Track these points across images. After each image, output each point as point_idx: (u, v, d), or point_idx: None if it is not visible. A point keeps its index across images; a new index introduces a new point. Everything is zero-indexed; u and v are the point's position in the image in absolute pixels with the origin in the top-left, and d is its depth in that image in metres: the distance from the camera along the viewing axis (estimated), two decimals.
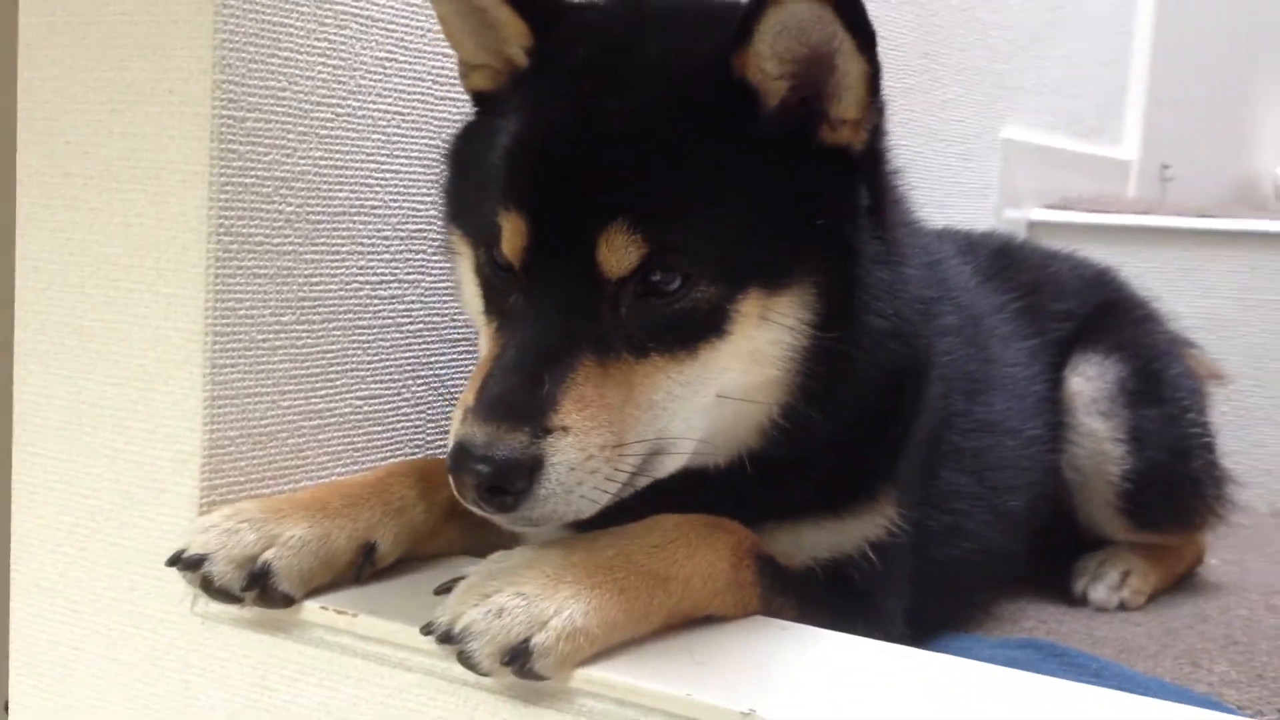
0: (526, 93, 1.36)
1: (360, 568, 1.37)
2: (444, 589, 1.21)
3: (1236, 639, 1.96)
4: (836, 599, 1.43)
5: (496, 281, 1.31)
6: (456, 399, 1.61)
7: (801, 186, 1.30)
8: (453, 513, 1.49)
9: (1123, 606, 2.10)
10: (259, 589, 1.30)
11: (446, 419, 1.65)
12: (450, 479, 1.21)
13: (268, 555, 1.30)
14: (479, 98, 1.44)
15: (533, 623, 1.15)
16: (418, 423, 1.64)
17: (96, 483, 1.47)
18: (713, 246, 1.26)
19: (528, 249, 1.26)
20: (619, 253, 1.23)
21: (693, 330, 1.26)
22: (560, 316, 1.24)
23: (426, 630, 1.18)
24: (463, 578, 1.21)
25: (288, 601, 1.32)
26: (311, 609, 1.33)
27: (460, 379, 1.69)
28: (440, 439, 1.67)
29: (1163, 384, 2.12)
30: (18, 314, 1.52)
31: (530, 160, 1.30)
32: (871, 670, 1.25)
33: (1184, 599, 2.19)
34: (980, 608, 1.98)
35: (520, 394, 1.20)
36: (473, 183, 1.37)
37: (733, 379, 1.31)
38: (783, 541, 1.41)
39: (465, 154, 1.42)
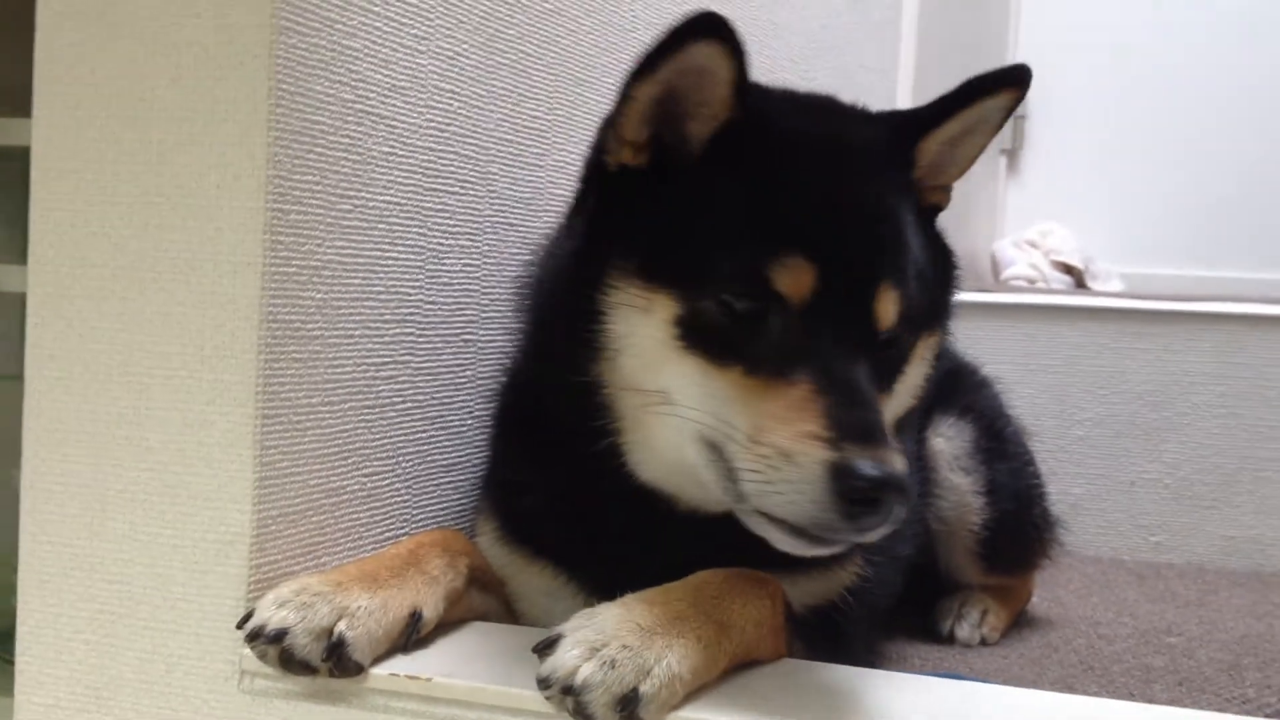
0: (751, 158, 1.45)
1: (409, 635, 1.45)
2: (545, 647, 1.30)
3: (1091, 665, 2.22)
4: (828, 639, 1.60)
5: (736, 328, 1.37)
6: (439, 474, 1.73)
7: (929, 245, 1.56)
8: (471, 580, 1.59)
9: (983, 642, 2.35)
10: (335, 659, 1.36)
11: (431, 494, 1.74)
12: (828, 497, 1.27)
13: (341, 626, 1.36)
14: (624, 171, 1.49)
15: (640, 672, 1.26)
16: (406, 498, 1.71)
17: (125, 568, 1.49)
18: (917, 301, 1.47)
19: (815, 293, 1.37)
20: (889, 308, 1.41)
21: (897, 369, 1.49)
22: (853, 356, 1.37)
23: (545, 685, 1.27)
24: (558, 635, 1.31)
25: (359, 670, 1.38)
26: (380, 676, 1.39)
27: (441, 455, 1.77)
28: (429, 513, 1.76)
29: (1006, 441, 2.39)
30: (27, 403, 1.52)
31: (811, 214, 1.42)
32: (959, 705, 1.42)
33: (1028, 633, 2.45)
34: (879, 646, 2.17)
35: (875, 420, 1.32)
36: (699, 235, 1.42)
37: (890, 411, 1.50)
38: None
39: (673, 211, 1.45)
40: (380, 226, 1.61)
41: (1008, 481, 2.33)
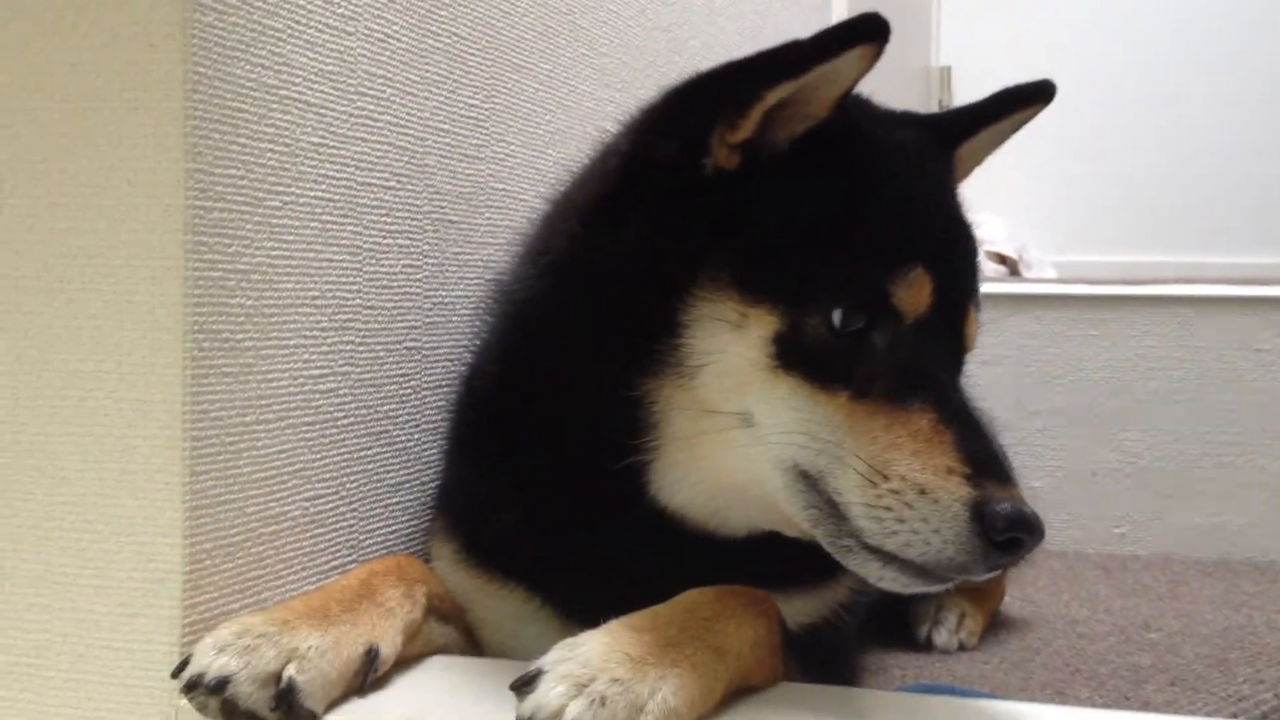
0: (845, 162, 1.35)
1: (366, 676, 1.30)
2: (523, 685, 1.16)
3: (1077, 667, 2.12)
4: (823, 659, 1.47)
5: (842, 347, 1.26)
6: (385, 494, 1.58)
7: None
8: (429, 611, 1.44)
9: (961, 647, 2.23)
10: (285, 708, 1.21)
11: (378, 517, 1.60)
12: (970, 538, 1.19)
13: (290, 670, 1.21)
14: (718, 174, 1.33)
15: (633, 708, 1.12)
16: (352, 521, 1.56)
17: (41, 614, 1.33)
18: None
19: (930, 308, 1.28)
20: (974, 327, 1.34)
21: None
22: (955, 380, 1.30)
23: None
24: (538, 670, 1.17)
25: (312, 718, 1.23)
26: None
27: (387, 474, 1.63)
28: (377, 538, 1.61)
29: None
30: None
31: (922, 224, 1.34)
32: None
33: (1005, 635, 2.34)
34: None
35: (1002, 454, 1.24)
36: (803, 243, 1.30)
37: None
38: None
39: (772, 217, 1.31)
40: (312, 225, 1.47)
41: None
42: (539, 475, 1.46)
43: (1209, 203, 5.43)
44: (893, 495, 1.21)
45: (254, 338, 1.37)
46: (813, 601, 1.49)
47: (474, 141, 1.83)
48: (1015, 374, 3.23)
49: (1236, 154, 5.42)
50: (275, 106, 1.39)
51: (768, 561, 1.42)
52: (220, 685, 1.19)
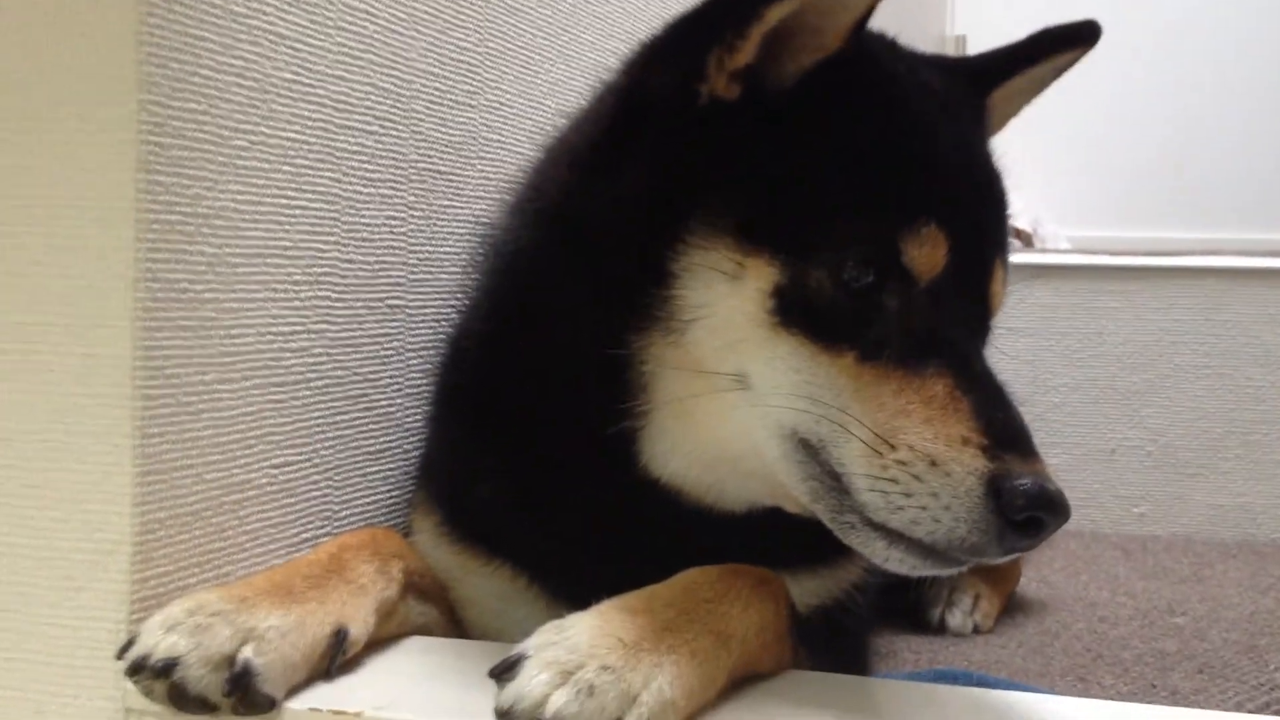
0: (863, 102, 1.22)
1: (334, 659, 1.19)
2: (504, 671, 1.05)
3: (1100, 652, 2.01)
4: (835, 643, 1.36)
5: (850, 305, 1.15)
6: (364, 462, 1.47)
7: None
8: (407, 588, 1.34)
9: (976, 630, 2.13)
10: (240, 693, 1.10)
11: (356, 486, 1.48)
12: (985, 515, 1.07)
13: (246, 652, 1.10)
14: (713, 105, 1.21)
15: (625, 699, 1.01)
16: (325, 490, 1.45)
17: None
18: None
19: (945, 269, 1.16)
20: (1000, 289, 1.24)
21: None
22: (977, 345, 1.20)
23: (506, 718, 1.02)
24: (521, 655, 1.05)
25: (270, 705, 1.12)
26: (298, 712, 1.13)
27: (366, 440, 1.51)
28: (355, 509, 1.49)
29: None
30: None
31: (941, 175, 1.22)
32: None
33: (1023, 619, 2.23)
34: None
35: (1025, 425, 1.12)
36: (812, 190, 1.18)
37: None
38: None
39: (778, 158, 1.19)
40: (285, 169, 1.35)
41: None
42: (526, 443, 1.35)
43: (1230, 176, 5.28)
44: (900, 467, 1.10)
45: (216, 289, 1.25)
46: (824, 582, 1.38)
47: (465, 88, 1.71)
48: (1033, 346, 3.12)
49: (1260, 126, 5.28)
50: (243, 36, 1.27)
51: (774, 538, 1.30)
52: (168, 668, 1.08)
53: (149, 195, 1.16)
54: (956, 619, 2.12)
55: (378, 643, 1.28)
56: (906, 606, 2.13)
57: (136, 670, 1.09)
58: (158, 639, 1.09)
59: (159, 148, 1.17)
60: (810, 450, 1.15)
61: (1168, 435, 3.06)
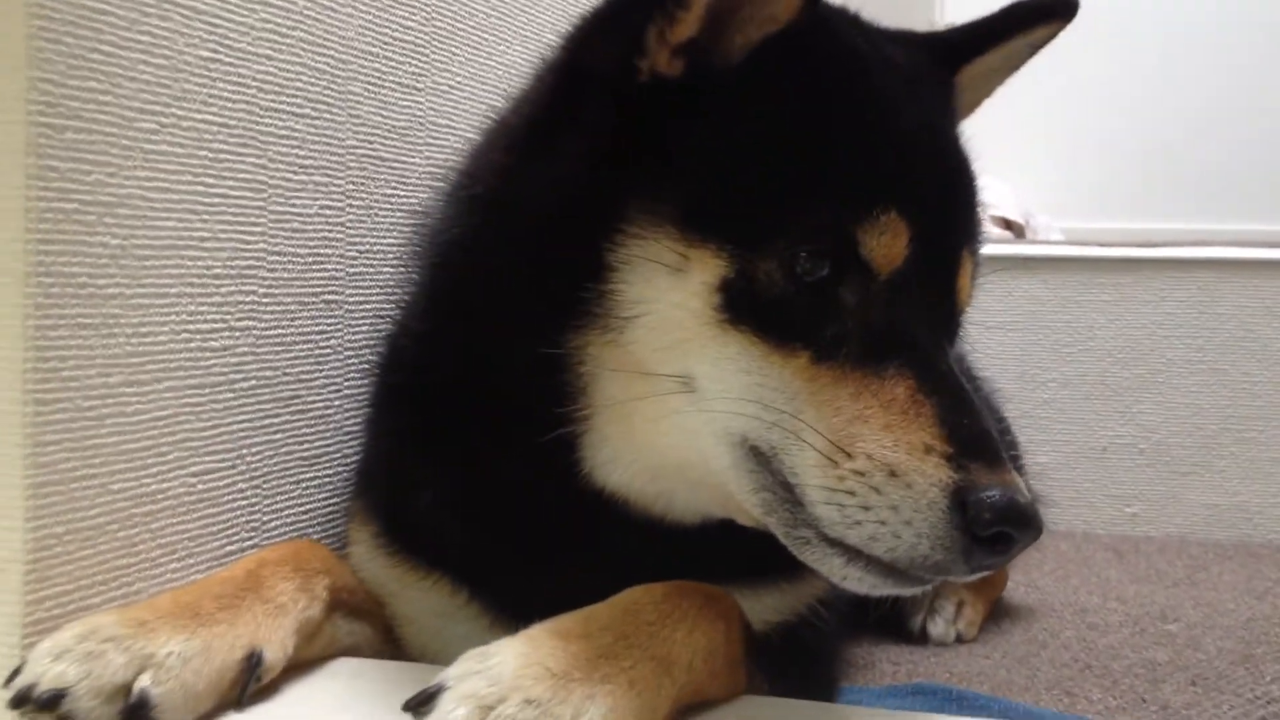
0: (817, 80, 1.12)
1: (245, 685, 1.09)
2: (419, 704, 0.95)
3: (1088, 663, 1.91)
4: (797, 663, 1.26)
5: (802, 300, 1.05)
6: (297, 469, 1.37)
7: None
8: (334, 606, 1.24)
9: (959, 639, 2.03)
10: None
11: (288, 495, 1.39)
12: (948, 531, 0.99)
13: (143, 682, 1.01)
14: (654, 83, 1.11)
15: None
16: (254, 499, 1.35)
17: None
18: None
19: (908, 260, 1.07)
20: (969, 282, 1.15)
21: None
22: (941, 343, 1.10)
23: None
24: (438, 687, 0.96)
25: None
26: None
27: (299, 446, 1.41)
28: (286, 519, 1.40)
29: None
30: None
31: (901, 160, 1.11)
32: None
33: (1009, 626, 2.14)
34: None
35: (992, 432, 1.03)
36: (760, 175, 1.08)
37: None
38: (743, 606, 1.22)
39: (724, 140, 1.09)
40: (201, 153, 1.25)
41: None
42: (466, 450, 1.25)
43: (1225, 167, 5.19)
44: (856, 477, 1.01)
45: (121, 284, 1.16)
46: (784, 597, 1.28)
47: (410, 69, 1.61)
48: (1021, 341, 3.02)
49: (1254, 116, 5.19)
50: (151, 10, 1.18)
51: (732, 551, 1.21)
52: (54, 699, 0.98)
53: (41, 182, 1.07)
54: (939, 628, 2.02)
55: (300, 666, 1.19)
56: (885, 614, 2.03)
57: (21, 701, 0.99)
58: (45, 667, 1.00)
59: (51, 130, 1.07)
60: (761, 459, 1.06)
61: (1160, 432, 2.96)
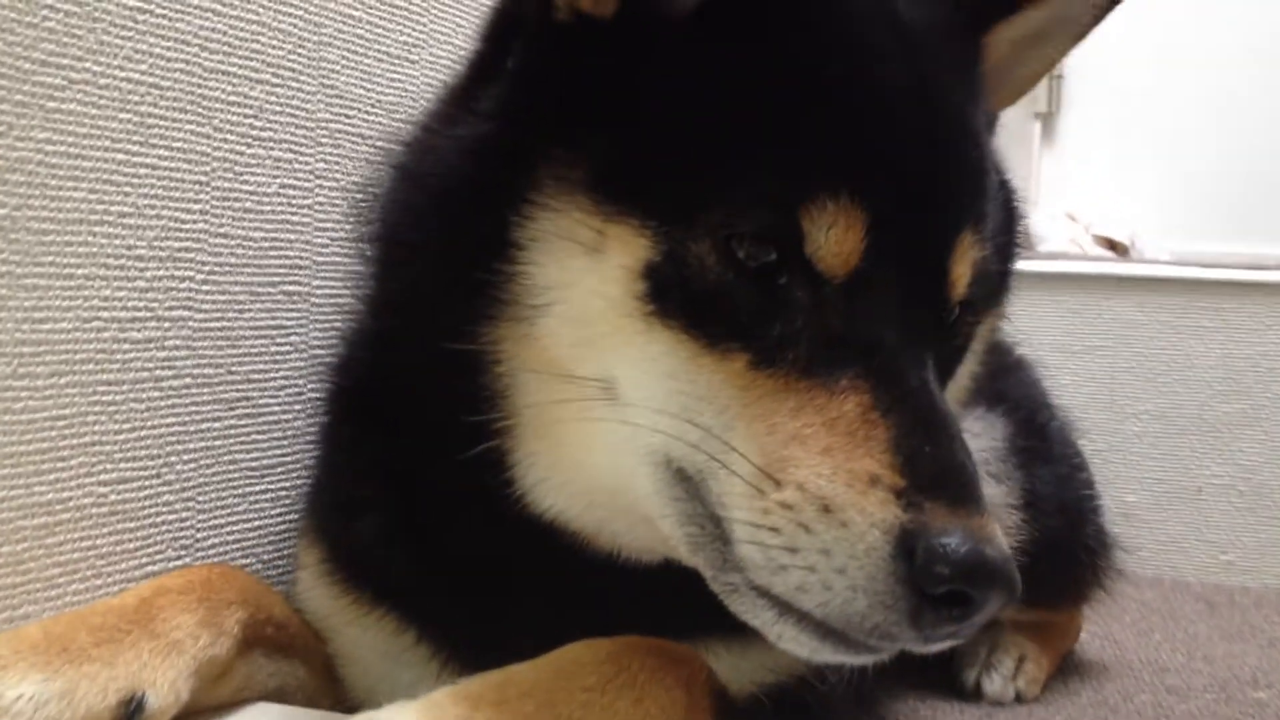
0: (776, 31, 0.93)
1: None
2: None
3: None
4: None
5: (742, 291, 0.88)
6: (241, 481, 1.21)
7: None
8: (252, 643, 1.07)
9: (1019, 698, 1.82)
10: None
11: (234, 509, 1.22)
12: (892, 585, 0.80)
13: None
14: (578, 24, 0.96)
15: None
16: (182, 513, 1.19)
17: None
18: (994, 261, 1.01)
19: (871, 251, 0.88)
20: (966, 269, 0.95)
21: (955, 363, 1.03)
22: (918, 348, 0.91)
23: None
24: None
25: None
26: None
27: (243, 453, 1.25)
28: (229, 536, 1.23)
29: (1050, 439, 1.85)
30: None
31: (866, 126, 0.92)
32: None
33: (1077, 685, 1.92)
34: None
35: (965, 462, 0.85)
36: (693, 138, 0.90)
37: None
38: (724, 664, 1.03)
39: (653, 95, 0.92)
40: (123, 116, 1.10)
41: (1052, 491, 1.78)
42: (403, 464, 1.07)
43: None
44: (783, 511, 0.82)
45: (10, 262, 1.00)
46: (778, 653, 1.08)
47: (402, 39, 1.45)
48: (1110, 368, 2.79)
49: None
50: None
51: (709, 596, 1.01)
52: None
53: None
54: (995, 684, 1.81)
55: (205, 711, 1.02)
56: (933, 666, 1.82)
57: None
58: None
59: None
60: (689, 484, 0.88)
61: (1262, 473, 2.72)
